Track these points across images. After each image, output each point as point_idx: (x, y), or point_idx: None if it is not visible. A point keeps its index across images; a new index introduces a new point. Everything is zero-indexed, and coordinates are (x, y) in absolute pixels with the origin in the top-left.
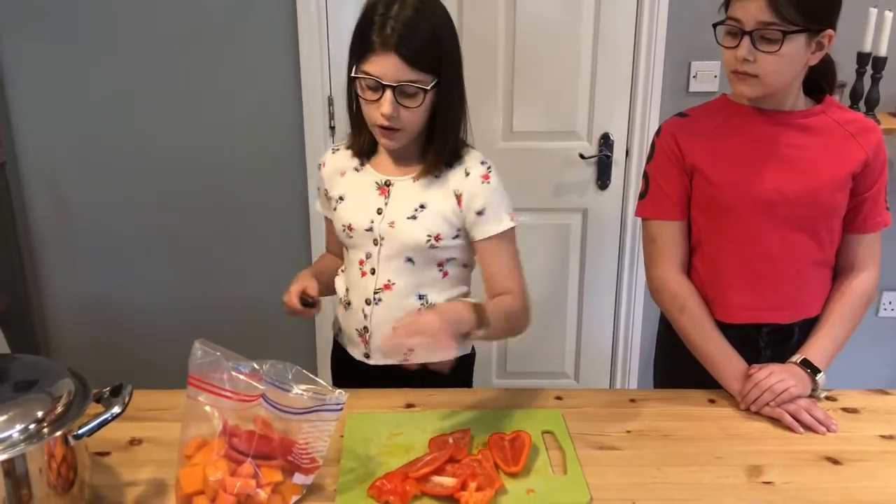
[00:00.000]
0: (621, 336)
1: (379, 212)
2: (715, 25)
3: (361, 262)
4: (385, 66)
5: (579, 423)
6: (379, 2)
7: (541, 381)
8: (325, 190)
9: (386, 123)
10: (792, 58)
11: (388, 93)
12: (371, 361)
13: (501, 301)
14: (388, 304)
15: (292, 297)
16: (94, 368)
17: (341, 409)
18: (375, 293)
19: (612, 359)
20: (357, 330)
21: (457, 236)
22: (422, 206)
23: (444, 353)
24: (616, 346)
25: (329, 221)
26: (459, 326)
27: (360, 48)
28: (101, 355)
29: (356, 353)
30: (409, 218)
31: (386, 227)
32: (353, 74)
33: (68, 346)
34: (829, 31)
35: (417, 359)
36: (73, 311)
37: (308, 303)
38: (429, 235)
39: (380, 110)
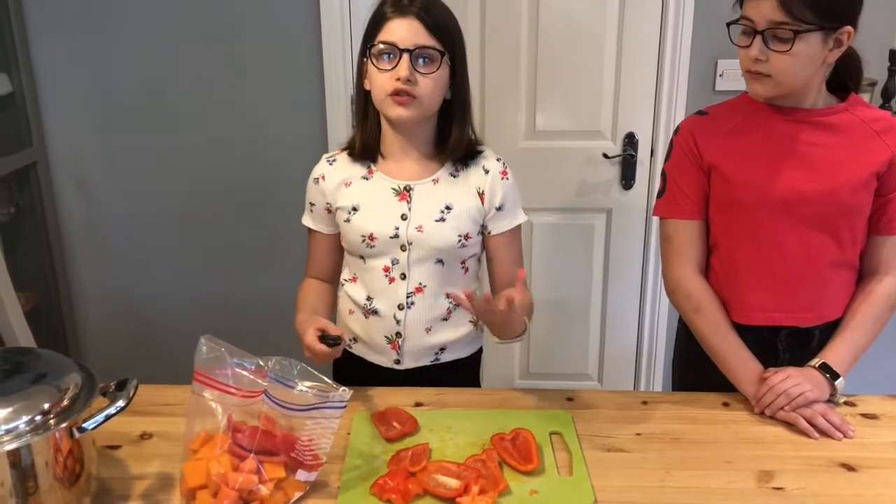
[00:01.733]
0: (645, 338)
1: (403, 217)
2: (729, 25)
3: (387, 269)
4: (402, 29)
5: (589, 424)
6: None
7: (564, 383)
8: (328, 204)
9: (402, 87)
10: (806, 57)
11: (406, 56)
12: (401, 367)
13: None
14: (419, 306)
15: (314, 344)
16: (121, 363)
17: (345, 407)
18: (408, 297)
19: (637, 360)
20: (387, 336)
21: (480, 233)
22: (448, 208)
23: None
24: (640, 347)
25: (321, 238)
26: (527, 313)
27: (374, 25)
28: (128, 351)
29: (383, 360)
30: (437, 221)
31: (414, 232)
32: (367, 47)
33: (97, 342)
34: (848, 29)
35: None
36: (101, 308)
37: (332, 341)
38: (459, 236)
39: (396, 74)
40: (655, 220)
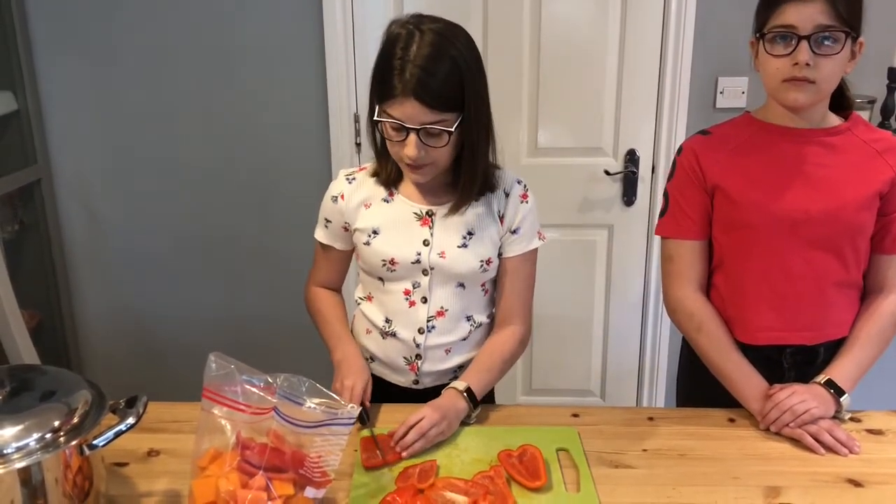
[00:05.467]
0: (648, 353)
1: (426, 243)
2: (761, 35)
3: (407, 292)
4: (407, 110)
5: (595, 440)
6: (398, 39)
7: (566, 399)
8: (346, 223)
9: (412, 163)
10: (843, 63)
11: (413, 135)
12: (420, 387)
13: (502, 344)
14: (440, 329)
15: (354, 398)
16: (125, 381)
17: (353, 424)
18: (429, 320)
19: (639, 376)
20: (406, 358)
21: (499, 255)
22: (469, 234)
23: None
24: (643, 363)
25: (334, 252)
26: (460, 417)
27: (381, 90)
28: (131, 368)
29: (401, 381)
30: (459, 247)
31: (436, 258)
32: (375, 117)
33: (99, 360)
34: (861, 40)
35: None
36: (104, 326)
37: (366, 420)
38: (481, 261)
39: (405, 152)
40: (657, 236)
